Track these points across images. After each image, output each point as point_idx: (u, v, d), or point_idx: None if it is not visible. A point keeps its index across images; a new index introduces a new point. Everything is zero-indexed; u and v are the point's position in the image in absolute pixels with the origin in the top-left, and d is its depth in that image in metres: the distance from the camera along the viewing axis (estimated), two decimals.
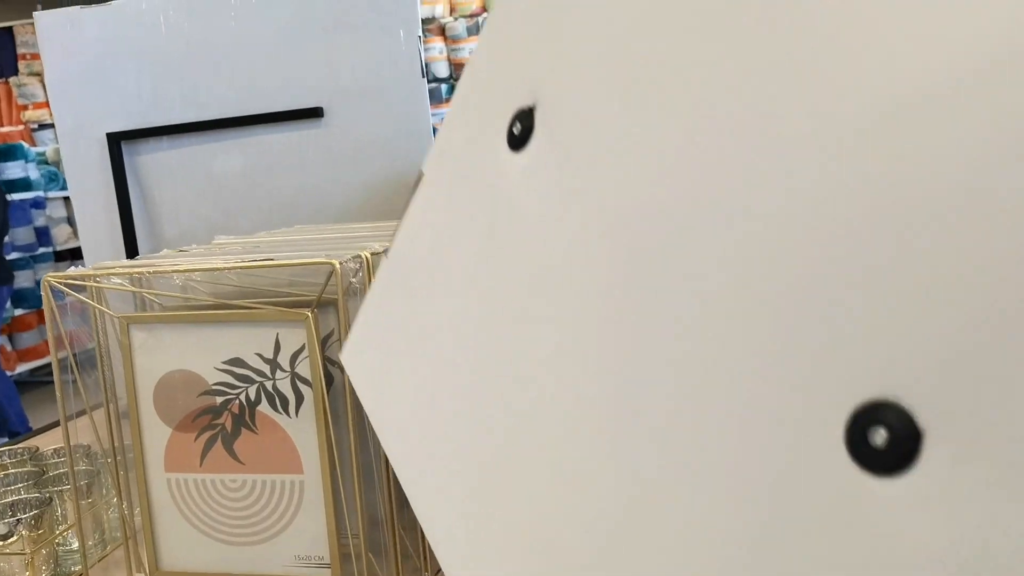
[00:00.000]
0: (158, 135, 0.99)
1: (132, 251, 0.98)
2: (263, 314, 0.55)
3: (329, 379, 0.55)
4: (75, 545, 0.64)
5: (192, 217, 0.99)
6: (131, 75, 1.01)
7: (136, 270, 0.57)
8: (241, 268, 0.55)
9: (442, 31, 4.27)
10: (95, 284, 0.57)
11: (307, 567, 0.58)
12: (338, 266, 0.52)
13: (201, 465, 0.58)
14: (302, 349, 0.55)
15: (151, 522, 0.59)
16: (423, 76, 1.03)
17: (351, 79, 1.01)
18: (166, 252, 0.67)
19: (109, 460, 0.59)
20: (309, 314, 0.54)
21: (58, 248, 4.28)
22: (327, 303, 0.55)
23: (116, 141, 0.98)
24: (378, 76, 1.01)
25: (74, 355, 0.58)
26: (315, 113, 1.01)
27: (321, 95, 1.02)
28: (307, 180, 1.02)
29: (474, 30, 4.26)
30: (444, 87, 4.28)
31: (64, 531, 0.64)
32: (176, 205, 0.99)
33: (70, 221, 4.27)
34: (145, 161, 1.00)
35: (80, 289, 0.58)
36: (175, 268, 0.56)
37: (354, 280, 0.54)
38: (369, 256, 0.54)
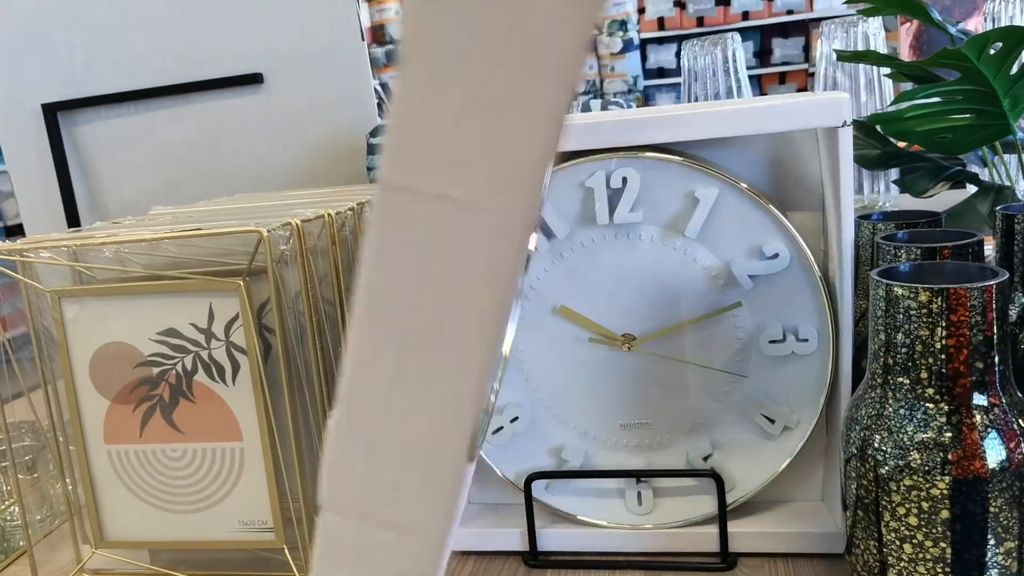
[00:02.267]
0: (95, 105, 0.98)
1: (74, 225, 0.97)
2: (195, 284, 0.56)
3: (265, 347, 0.57)
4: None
5: (135, 189, 0.98)
6: (64, 43, 1.00)
7: (64, 243, 0.57)
8: (169, 239, 0.55)
9: None
10: (22, 259, 0.58)
11: (251, 531, 0.59)
12: (265, 234, 0.53)
13: (141, 436, 0.59)
14: (236, 318, 0.56)
15: (94, 495, 0.60)
16: (362, 40, 1.03)
17: (290, 44, 1.01)
18: (99, 224, 0.68)
19: (51, 436, 0.60)
20: (241, 283, 0.54)
21: (9, 223, 4.21)
22: (261, 271, 0.55)
23: (52, 112, 0.97)
24: (317, 40, 1.01)
25: (7, 337, 0.59)
26: (255, 79, 1.01)
27: (261, 61, 1.01)
28: (249, 147, 1.02)
29: None
30: None
31: (6, 508, 0.66)
32: (118, 177, 0.99)
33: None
34: (83, 132, 0.99)
35: (11, 265, 0.58)
36: (103, 240, 0.56)
37: (285, 248, 0.55)
38: (299, 223, 0.55)
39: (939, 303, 0.41)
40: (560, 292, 0.55)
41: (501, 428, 0.58)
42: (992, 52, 0.62)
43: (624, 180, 0.52)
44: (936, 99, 0.69)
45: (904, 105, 0.69)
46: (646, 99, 4.09)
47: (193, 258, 0.59)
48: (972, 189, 0.76)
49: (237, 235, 0.55)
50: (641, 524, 0.58)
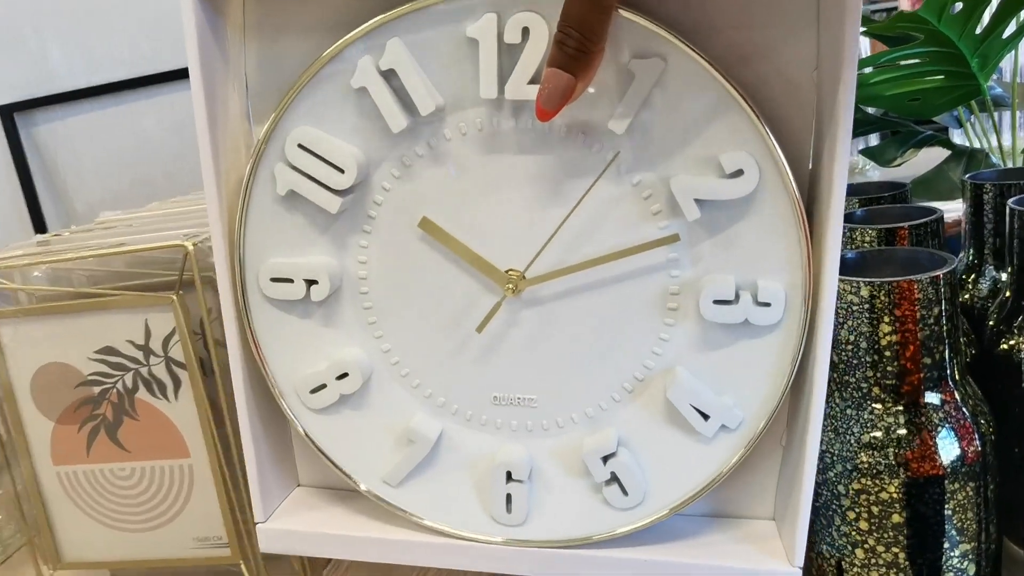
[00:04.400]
0: (55, 103, 0.96)
1: (40, 227, 0.97)
2: (129, 300, 0.54)
3: (205, 359, 0.54)
4: None
5: (100, 188, 0.97)
6: (18, 41, 0.98)
7: None
8: (87, 258, 0.55)
9: None
10: None
11: (206, 548, 0.57)
12: (191, 248, 0.50)
13: (88, 456, 0.58)
14: (173, 332, 0.54)
15: (48, 516, 0.60)
16: None
17: None
18: (38, 239, 0.66)
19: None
20: (174, 298, 0.52)
21: None
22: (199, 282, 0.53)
23: (9, 113, 0.96)
24: None
25: None
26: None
27: None
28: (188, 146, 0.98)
29: None
30: None
31: None
32: (81, 176, 0.98)
33: None
34: (43, 132, 0.98)
35: None
36: (20, 263, 0.56)
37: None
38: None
39: (882, 297, 0.41)
40: (422, 197, 0.42)
41: (323, 387, 0.45)
42: (953, 13, 0.63)
43: (525, 32, 0.39)
44: (907, 62, 0.69)
45: (868, 69, 0.69)
46: None
47: (131, 271, 0.58)
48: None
49: (156, 250, 0.53)
50: (510, 538, 0.45)
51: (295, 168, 0.43)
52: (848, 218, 0.53)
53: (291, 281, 0.44)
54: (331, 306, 0.45)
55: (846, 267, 0.44)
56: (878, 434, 0.42)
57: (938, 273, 0.41)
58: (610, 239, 0.42)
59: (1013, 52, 0.71)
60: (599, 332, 0.43)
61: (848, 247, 0.51)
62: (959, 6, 0.63)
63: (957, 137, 0.84)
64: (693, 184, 0.39)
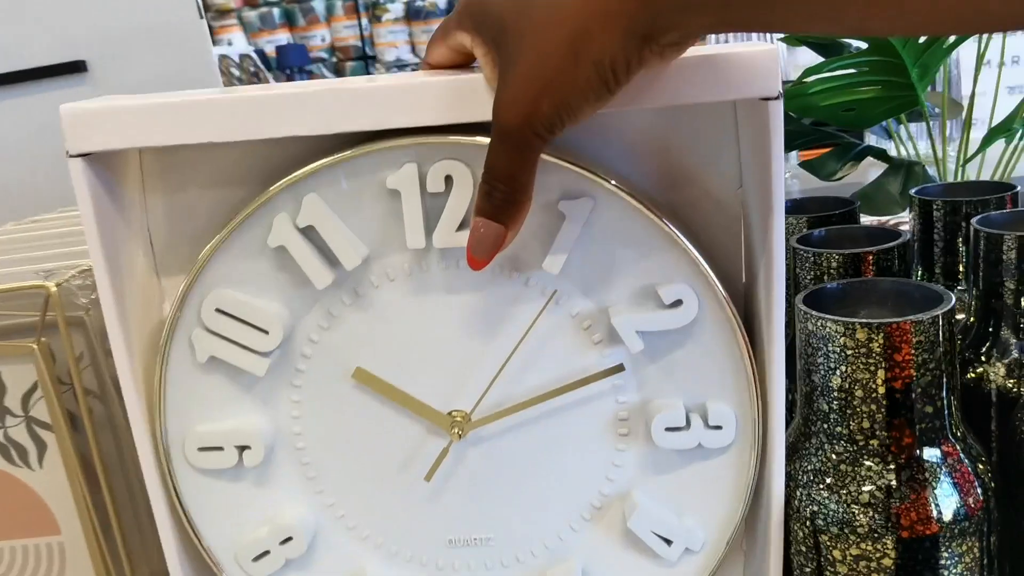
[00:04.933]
0: None
1: None
2: None
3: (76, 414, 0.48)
4: None
5: None
6: None
7: None
8: None
9: None
10: None
11: None
12: (54, 290, 0.45)
13: None
14: (35, 387, 0.48)
15: None
16: (201, 16, 0.92)
17: (116, 25, 0.90)
18: None
19: None
20: (35, 346, 0.46)
21: None
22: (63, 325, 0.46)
23: None
24: (147, 20, 0.91)
25: None
26: (77, 67, 0.91)
27: (83, 46, 0.91)
28: None
29: None
30: (277, 11, 4.04)
31: None
32: None
33: None
34: None
35: None
36: None
37: (85, 301, 0.47)
38: None
39: (880, 341, 0.37)
40: (355, 349, 0.41)
41: (267, 553, 0.42)
42: None
43: (448, 180, 0.38)
44: (842, 71, 0.67)
45: (812, 78, 0.67)
46: None
47: None
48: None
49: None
50: None
51: (214, 333, 0.40)
52: (806, 240, 0.50)
53: (221, 449, 0.42)
54: (266, 467, 0.43)
55: (825, 300, 0.41)
56: (877, 492, 0.38)
57: (940, 312, 0.37)
58: (553, 370, 0.41)
59: (944, 63, 0.71)
60: (550, 463, 0.43)
61: (811, 272, 0.48)
62: None
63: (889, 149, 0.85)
64: (633, 317, 0.39)
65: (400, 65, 4.09)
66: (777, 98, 0.36)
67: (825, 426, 0.39)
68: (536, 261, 0.39)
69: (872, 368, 0.37)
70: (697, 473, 0.42)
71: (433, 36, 0.39)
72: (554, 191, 0.38)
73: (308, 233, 0.39)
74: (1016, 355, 0.45)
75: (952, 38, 0.65)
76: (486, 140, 0.37)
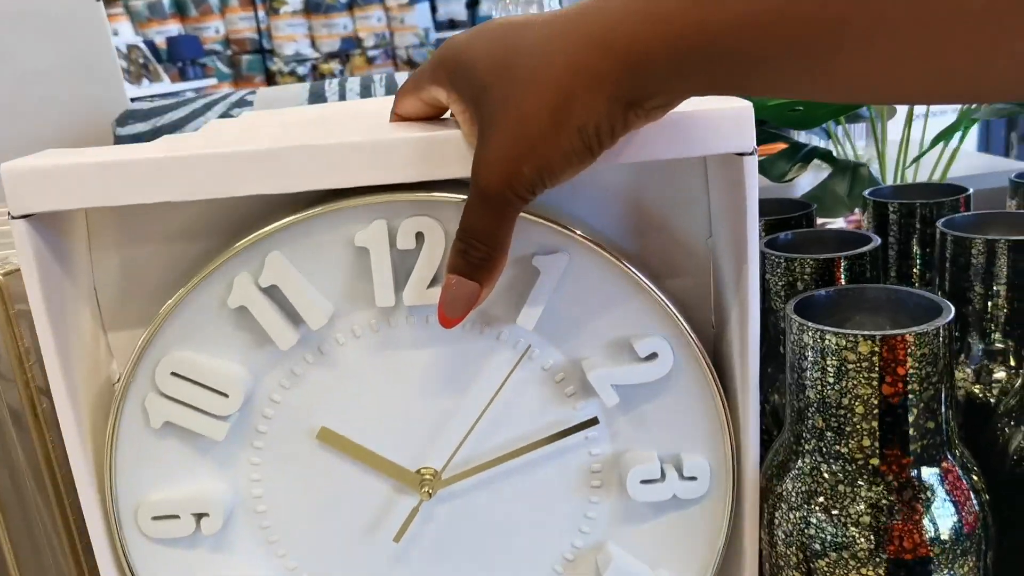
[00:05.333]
0: None
1: None
2: None
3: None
4: None
5: None
6: None
7: None
8: None
9: None
10: None
11: None
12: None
13: None
14: None
15: None
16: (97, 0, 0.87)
17: (5, 12, 0.84)
18: None
19: None
20: None
21: None
22: None
23: None
24: (37, 3, 0.85)
25: None
26: None
27: None
28: None
29: None
30: (167, 0, 3.82)
31: None
32: None
33: None
34: None
35: None
36: None
37: None
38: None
39: (884, 354, 0.35)
40: (319, 408, 0.39)
41: None
42: None
43: (420, 237, 0.37)
44: None
45: None
46: None
47: None
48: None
49: None
50: None
51: (170, 398, 0.38)
52: (772, 244, 0.48)
53: (176, 517, 0.40)
54: (225, 532, 0.41)
55: (814, 309, 0.39)
56: (879, 514, 0.36)
57: (943, 322, 0.35)
58: (525, 424, 0.41)
59: None
60: (522, 517, 0.42)
61: (783, 277, 0.46)
62: None
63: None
64: (609, 371, 0.39)
65: (300, 60, 4.01)
66: (752, 153, 0.36)
67: (821, 444, 0.37)
68: (509, 316, 0.39)
69: (874, 382, 0.35)
70: (671, 524, 0.42)
71: (404, 87, 0.38)
72: (528, 246, 0.37)
73: (271, 292, 0.37)
74: (985, 361, 0.45)
75: None
76: (458, 197, 0.36)
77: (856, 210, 0.71)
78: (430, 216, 0.37)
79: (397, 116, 0.39)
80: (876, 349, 0.35)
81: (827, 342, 0.36)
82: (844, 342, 0.35)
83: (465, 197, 0.36)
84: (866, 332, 0.35)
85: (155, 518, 0.40)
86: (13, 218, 0.34)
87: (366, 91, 0.74)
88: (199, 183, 0.35)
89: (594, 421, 0.40)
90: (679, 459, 0.41)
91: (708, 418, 0.40)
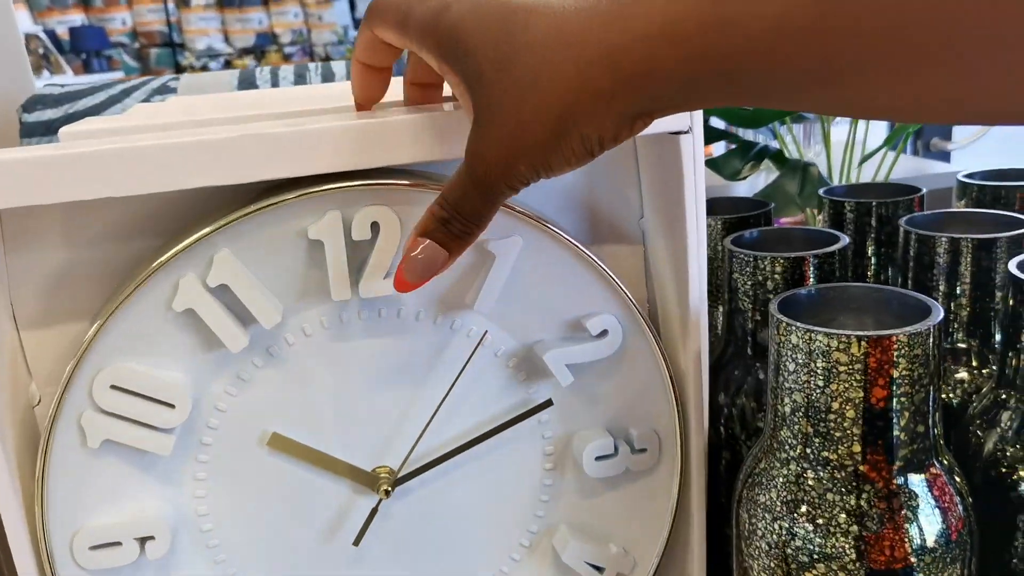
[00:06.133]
0: None
1: None
2: None
3: None
4: None
5: None
6: None
7: None
8: None
9: None
10: None
11: None
12: None
13: None
14: None
15: None
16: None
17: None
18: None
19: None
20: None
21: None
22: None
23: None
24: None
25: None
26: None
27: None
28: None
29: None
30: None
31: None
32: None
33: None
34: None
35: None
36: None
37: None
38: None
39: (878, 355, 0.34)
40: (269, 412, 0.38)
41: None
42: None
43: (375, 227, 0.36)
44: None
45: None
46: None
47: None
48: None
49: None
50: None
51: (109, 414, 0.36)
52: (738, 242, 0.47)
53: (119, 544, 0.37)
54: (170, 555, 0.38)
55: (796, 308, 0.38)
56: (869, 522, 0.35)
57: (935, 322, 0.34)
58: (480, 412, 0.41)
59: None
60: (478, 507, 0.42)
61: (751, 277, 0.45)
62: None
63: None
64: (563, 351, 0.40)
65: (212, 55, 3.88)
66: (688, 132, 0.38)
67: (807, 451, 0.36)
68: (463, 303, 0.39)
69: (867, 386, 0.34)
70: (623, 498, 0.43)
71: (369, 21, 0.35)
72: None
73: (219, 293, 0.36)
74: (947, 362, 0.46)
75: None
76: (413, 184, 0.36)
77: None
78: (385, 205, 0.36)
79: (357, 61, 0.37)
80: (868, 350, 0.34)
81: (817, 343, 0.34)
82: (836, 343, 0.34)
83: (421, 184, 0.37)
84: (859, 332, 0.34)
85: (94, 547, 0.37)
86: None
87: (300, 79, 0.72)
88: (144, 177, 0.33)
89: (548, 403, 0.41)
90: (628, 433, 0.42)
91: (655, 390, 0.42)
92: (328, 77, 0.73)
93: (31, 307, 0.37)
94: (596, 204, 0.43)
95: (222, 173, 0.34)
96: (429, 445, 0.40)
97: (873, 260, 0.55)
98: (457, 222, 0.33)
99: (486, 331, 0.40)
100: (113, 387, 0.35)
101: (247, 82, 0.73)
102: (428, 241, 0.33)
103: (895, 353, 0.34)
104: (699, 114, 0.40)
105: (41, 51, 3.21)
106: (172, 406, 0.36)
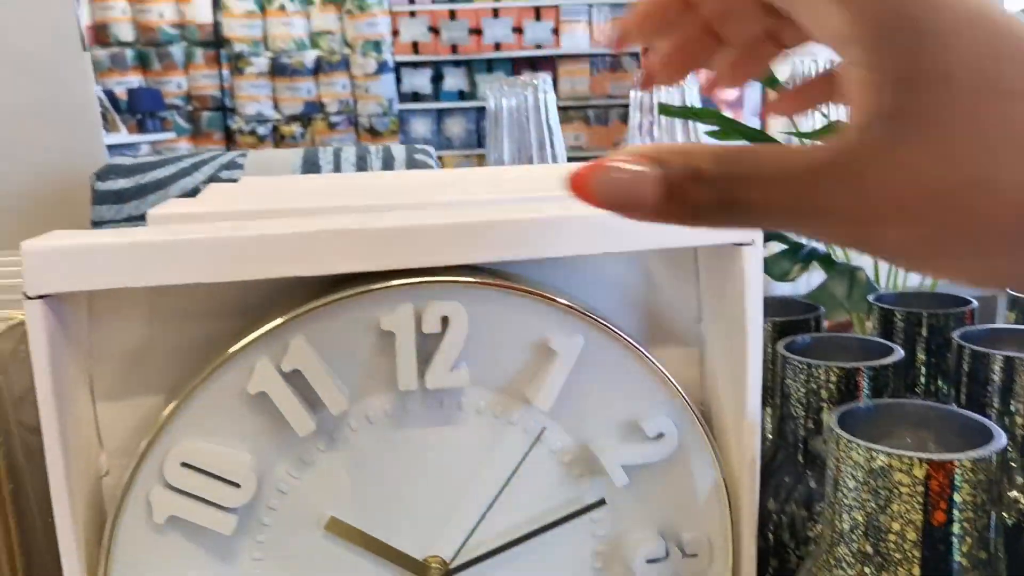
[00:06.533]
0: None
1: None
2: None
3: None
4: None
5: None
6: None
7: None
8: None
9: None
10: None
11: None
12: None
13: None
14: None
15: None
16: (84, 49, 0.86)
17: None
18: None
19: None
20: None
21: None
22: None
23: None
24: (18, 46, 0.84)
25: None
26: None
27: None
28: None
29: None
30: (130, 52, 3.97)
31: None
32: None
33: None
34: None
35: None
36: None
37: None
38: None
39: (941, 478, 0.33)
40: (328, 495, 0.39)
41: None
42: None
43: (445, 321, 0.38)
44: None
45: None
46: (401, 123, 4.19)
47: None
48: None
49: None
50: None
51: (177, 490, 0.37)
52: (791, 346, 0.47)
53: None
54: None
55: (854, 421, 0.38)
56: None
57: (998, 447, 0.34)
58: (533, 507, 0.42)
59: None
60: None
61: (804, 385, 0.45)
62: None
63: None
64: (619, 452, 0.41)
65: (261, 120, 4.05)
66: (751, 244, 0.39)
67: (865, 570, 0.35)
68: (523, 399, 0.40)
69: (929, 508, 0.34)
70: None
71: None
72: (545, 329, 0.39)
73: (291, 377, 0.37)
74: (1004, 481, 0.45)
75: None
76: (483, 281, 0.38)
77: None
78: (456, 300, 0.38)
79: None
80: (931, 473, 0.33)
81: (878, 462, 0.34)
82: (897, 463, 0.34)
83: (490, 283, 0.38)
84: (921, 455, 0.34)
85: None
86: (28, 298, 0.33)
87: (362, 162, 0.75)
88: (229, 265, 0.35)
89: (601, 502, 0.41)
90: (680, 536, 0.42)
91: (708, 494, 0.42)
92: (388, 161, 0.76)
93: (109, 381, 0.39)
94: (655, 305, 0.44)
95: (302, 265, 0.36)
96: (481, 537, 0.41)
97: (923, 370, 0.55)
98: (715, 191, 0.23)
99: (544, 427, 0.40)
100: (183, 464, 0.37)
101: (310, 162, 0.76)
102: (647, 169, 0.23)
103: (958, 477, 0.34)
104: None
105: (99, 110, 3.36)
106: (238, 486, 0.37)
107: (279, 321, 0.37)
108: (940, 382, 0.56)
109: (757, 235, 0.39)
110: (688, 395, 0.44)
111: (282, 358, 0.37)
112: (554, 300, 0.39)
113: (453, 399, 0.40)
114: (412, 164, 0.75)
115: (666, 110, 0.80)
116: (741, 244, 0.40)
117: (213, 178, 0.75)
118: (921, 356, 0.55)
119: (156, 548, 0.38)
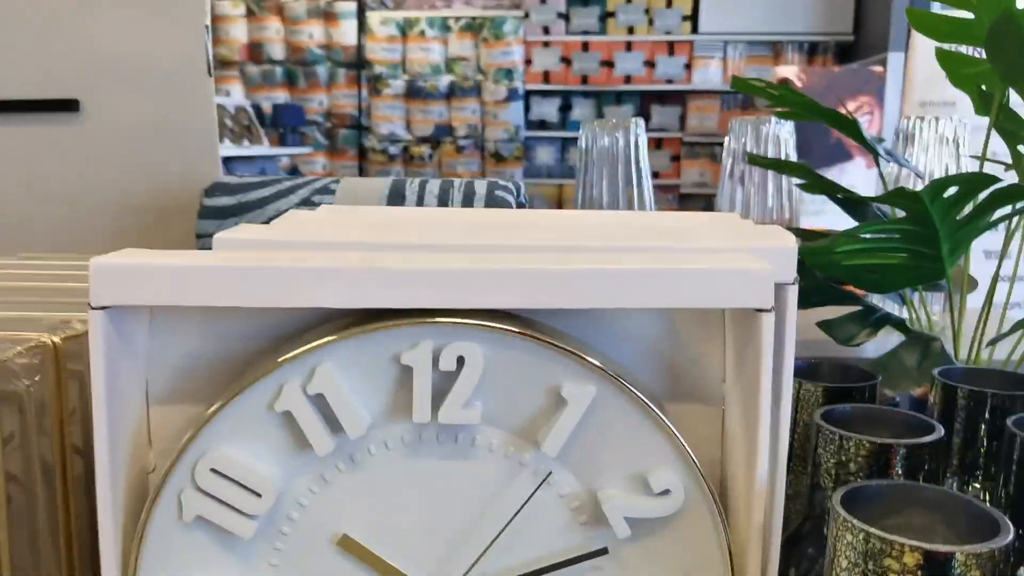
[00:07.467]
0: None
1: None
2: None
3: None
4: None
5: None
6: None
7: None
8: None
9: (280, 10, 4.30)
10: None
11: None
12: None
13: None
14: None
15: None
16: (210, 74, 0.94)
17: (115, 69, 0.92)
18: None
19: None
20: None
21: None
22: None
23: None
24: (150, 67, 0.92)
25: None
26: (68, 106, 0.90)
27: (77, 85, 0.91)
28: (62, 190, 0.91)
29: (315, 12, 4.30)
30: (279, 70, 4.27)
31: None
32: None
33: None
34: None
35: None
36: None
37: (29, 384, 0.45)
38: (56, 341, 0.47)
39: (931, 569, 0.33)
40: (343, 514, 0.42)
41: None
42: (945, 195, 0.59)
43: (460, 361, 0.41)
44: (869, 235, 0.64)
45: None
46: (526, 150, 4.28)
47: None
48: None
49: None
50: None
51: (205, 493, 0.40)
52: (829, 416, 0.46)
53: None
54: None
55: (868, 497, 0.38)
56: None
57: (999, 545, 0.33)
58: (537, 547, 0.43)
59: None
60: None
61: (834, 455, 0.44)
62: (954, 190, 0.60)
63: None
64: (623, 503, 0.42)
65: (393, 140, 4.29)
66: (769, 311, 0.40)
67: None
68: (534, 441, 0.42)
69: None
70: None
71: None
72: (559, 377, 0.41)
73: (315, 400, 0.40)
74: None
75: (994, 215, 0.64)
76: (501, 327, 0.40)
77: None
78: (473, 341, 0.40)
79: None
80: (922, 562, 0.33)
81: (870, 544, 0.34)
82: (889, 548, 0.33)
83: (506, 329, 0.40)
84: (913, 543, 0.33)
85: None
86: (92, 309, 0.38)
87: (444, 195, 0.79)
88: (274, 293, 0.39)
89: (604, 551, 0.43)
90: None
91: (712, 557, 0.43)
92: (469, 196, 0.79)
93: (161, 386, 0.43)
94: (679, 360, 0.45)
95: (333, 298, 0.39)
96: (486, 571, 0.43)
97: (982, 453, 0.53)
98: None
99: (551, 471, 0.42)
100: (212, 470, 0.40)
101: (397, 192, 0.81)
102: None
103: (952, 570, 0.33)
104: (792, 293, 0.41)
105: (246, 122, 3.60)
106: (259, 495, 0.41)
107: (309, 346, 0.40)
108: (993, 468, 0.54)
109: (791, 301, 0.40)
110: (707, 454, 0.45)
111: (309, 381, 0.40)
112: (568, 350, 0.41)
113: (467, 434, 0.42)
114: (492, 200, 0.79)
115: (755, 160, 0.80)
116: (760, 310, 0.40)
117: (307, 201, 0.80)
118: (984, 439, 0.52)
119: (184, 543, 0.41)
